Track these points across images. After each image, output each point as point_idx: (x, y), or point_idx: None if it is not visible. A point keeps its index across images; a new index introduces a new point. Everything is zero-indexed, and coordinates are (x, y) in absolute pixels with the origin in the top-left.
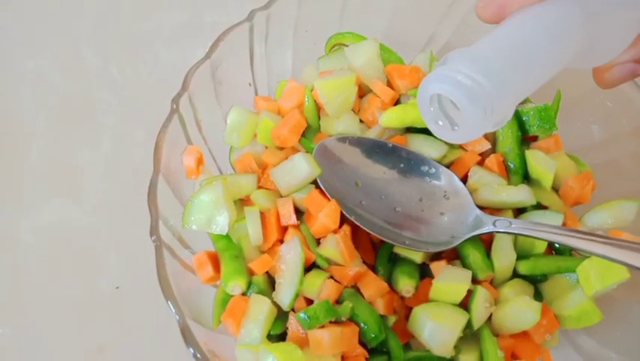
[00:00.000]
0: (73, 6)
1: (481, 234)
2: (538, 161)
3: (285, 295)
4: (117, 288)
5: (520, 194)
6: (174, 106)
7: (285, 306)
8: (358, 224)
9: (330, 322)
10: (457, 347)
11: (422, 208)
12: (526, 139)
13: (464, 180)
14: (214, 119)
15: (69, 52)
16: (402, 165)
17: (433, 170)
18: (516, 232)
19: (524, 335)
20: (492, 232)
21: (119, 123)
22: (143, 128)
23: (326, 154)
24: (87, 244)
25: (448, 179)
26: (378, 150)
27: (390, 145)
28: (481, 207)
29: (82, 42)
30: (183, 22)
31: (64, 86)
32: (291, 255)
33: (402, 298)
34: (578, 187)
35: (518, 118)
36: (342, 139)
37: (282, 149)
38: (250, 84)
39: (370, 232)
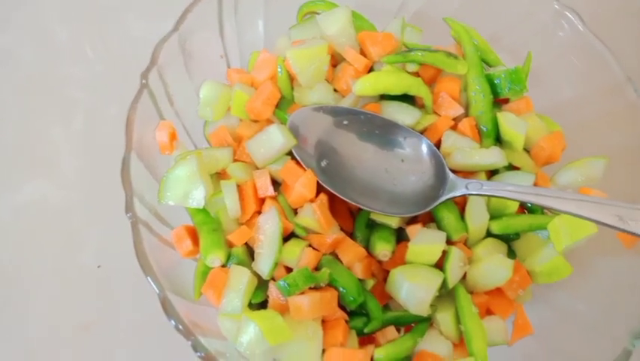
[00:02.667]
0: None
1: (455, 197)
2: (509, 123)
3: (264, 265)
4: (99, 267)
5: (493, 156)
6: (144, 81)
7: (265, 275)
8: (335, 192)
9: (310, 288)
10: (433, 306)
11: (397, 174)
12: (497, 102)
13: (438, 144)
14: (186, 93)
15: (36, 26)
16: (377, 132)
17: (407, 136)
18: (487, 193)
19: (498, 291)
20: (465, 195)
21: (91, 99)
22: (116, 103)
23: (300, 125)
24: (66, 223)
25: (421, 145)
26: (352, 118)
27: (365, 113)
28: (455, 171)
29: (49, 16)
30: None
31: (34, 61)
32: (269, 225)
33: (379, 262)
34: (548, 147)
35: (490, 81)
36: (316, 109)
37: (256, 121)
38: (222, 56)
39: (347, 200)
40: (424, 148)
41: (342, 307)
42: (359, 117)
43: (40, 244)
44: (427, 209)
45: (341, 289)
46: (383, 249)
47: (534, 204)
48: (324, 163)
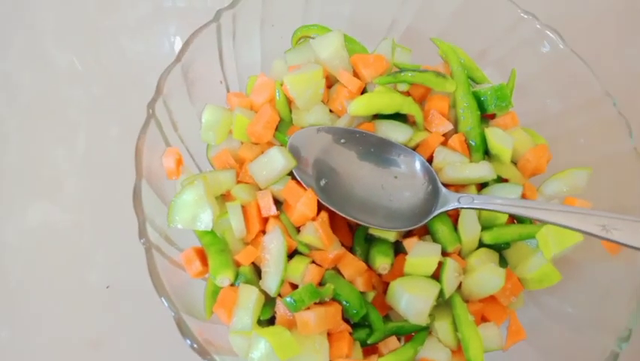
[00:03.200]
0: (36, 3)
1: (447, 210)
2: (496, 138)
3: (271, 283)
4: (108, 287)
5: (482, 170)
6: (150, 111)
7: (273, 292)
8: (335, 210)
9: (315, 303)
10: (431, 315)
11: (393, 190)
12: (485, 117)
13: (430, 160)
14: (189, 119)
15: (35, 51)
16: (372, 150)
17: (402, 153)
18: (478, 207)
19: (492, 299)
20: (457, 208)
21: (92, 121)
22: (116, 124)
23: (300, 146)
24: (73, 245)
25: (415, 161)
26: (348, 137)
27: (360, 133)
28: (447, 185)
29: (47, 40)
30: (147, 13)
31: (34, 85)
32: (274, 244)
33: (379, 274)
34: (534, 159)
35: (477, 98)
36: (314, 130)
37: (257, 143)
38: (221, 82)
39: (346, 217)
40: (418, 165)
41: (345, 319)
42: (355, 136)
43: (48, 266)
44: (422, 223)
45: (344, 302)
46: (382, 262)
47: (522, 216)
48: (323, 182)
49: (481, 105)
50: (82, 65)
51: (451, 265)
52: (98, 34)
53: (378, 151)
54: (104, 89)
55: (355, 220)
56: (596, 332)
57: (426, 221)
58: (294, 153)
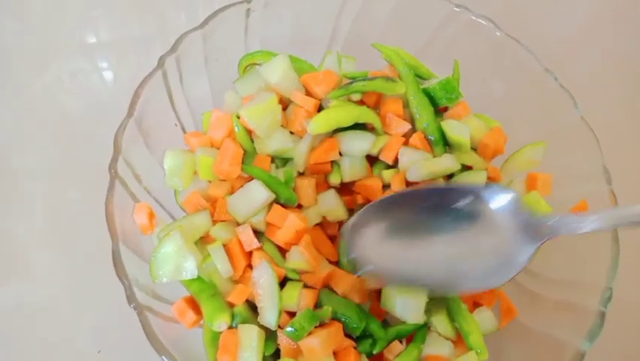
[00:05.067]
0: None
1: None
2: (453, 129)
3: (270, 317)
4: (99, 352)
5: (446, 162)
6: (113, 172)
7: (273, 326)
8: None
9: (315, 326)
10: (427, 311)
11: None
12: (438, 111)
13: (395, 162)
14: (152, 169)
15: None
16: (439, 203)
17: (469, 199)
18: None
19: None
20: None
21: (47, 187)
22: (73, 187)
23: (361, 226)
24: (55, 318)
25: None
26: (411, 201)
27: (422, 190)
28: (412, 183)
29: None
30: (79, 69)
31: None
32: (264, 278)
33: None
34: (492, 143)
35: (427, 95)
36: (368, 209)
37: (226, 180)
38: (176, 124)
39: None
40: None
41: (347, 334)
42: (417, 195)
43: (35, 344)
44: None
45: (343, 319)
46: None
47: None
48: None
49: (432, 101)
50: (24, 129)
51: None
52: (36, 94)
53: (446, 203)
54: (52, 152)
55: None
56: (582, 295)
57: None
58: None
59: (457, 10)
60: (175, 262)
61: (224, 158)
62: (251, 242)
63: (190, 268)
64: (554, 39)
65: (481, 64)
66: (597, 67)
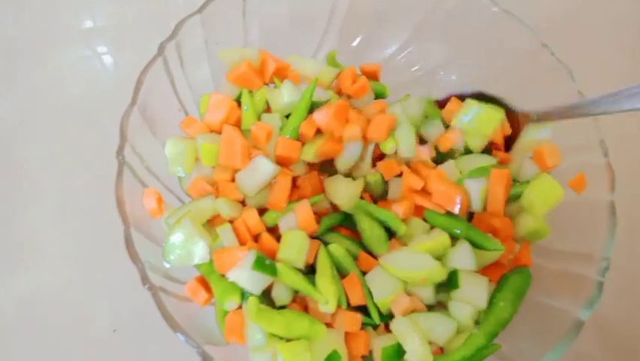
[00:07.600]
0: None
1: None
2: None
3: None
4: (115, 331)
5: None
6: (121, 158)
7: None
8: None
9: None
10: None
11: None
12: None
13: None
14: (158, 155)
15: None
16: None
17: None
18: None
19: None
20: None
21: (55, 175)
22: (80, 173)
23: None
24: (71, 302)
25: None
26: None
27: None
28: None
29: None
30: (79, 56)
31: None
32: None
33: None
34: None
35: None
36: None
37: None
38: (179, 109)
39: None
40: None
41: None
42: None
43: (52, 325)
44: None
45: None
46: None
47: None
48: None
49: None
50: (29, 118)
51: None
52: (35, 83)
53: None
54: (58, 140)
55: None
56: (580, 265)
57: None
58: None
59: None
60: (187, 247)
61: (233, 152)
62: (257, 226)
63: (201, 253)
64: (551, 14)
65: (479, 39)
66: (594, 41)
